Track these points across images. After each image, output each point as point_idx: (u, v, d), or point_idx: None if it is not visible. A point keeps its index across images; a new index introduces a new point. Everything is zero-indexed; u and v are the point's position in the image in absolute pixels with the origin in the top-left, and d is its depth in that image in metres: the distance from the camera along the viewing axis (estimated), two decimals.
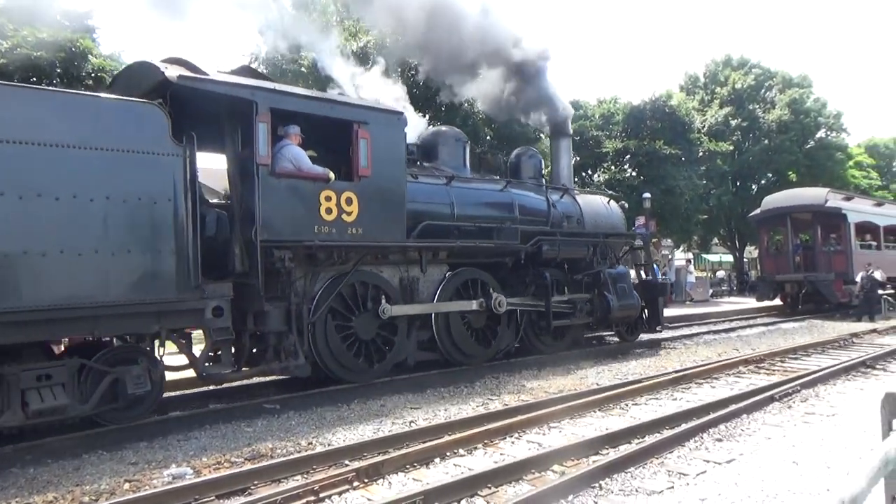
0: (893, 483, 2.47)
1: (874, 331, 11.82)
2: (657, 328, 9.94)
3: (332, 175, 6.51)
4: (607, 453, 4.52)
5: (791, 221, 17.17)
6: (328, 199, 6.47)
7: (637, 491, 3.78)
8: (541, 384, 7.02)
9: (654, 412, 5.69)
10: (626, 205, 10.56)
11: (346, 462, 4.44)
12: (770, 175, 31.99)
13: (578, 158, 21.81)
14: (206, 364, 5.85)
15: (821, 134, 29.89)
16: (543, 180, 9.31)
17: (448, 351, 7.64)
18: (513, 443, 4.93)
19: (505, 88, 9.41)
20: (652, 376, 7.07)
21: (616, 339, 9.93)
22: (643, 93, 33.55)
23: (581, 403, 5.80)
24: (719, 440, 4.86)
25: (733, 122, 28.25)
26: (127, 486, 4.17)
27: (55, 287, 4.78)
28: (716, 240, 31.61)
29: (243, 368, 6.15)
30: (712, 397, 6.17)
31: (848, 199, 17.92)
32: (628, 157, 22.08)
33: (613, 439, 4.76)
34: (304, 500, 3.71)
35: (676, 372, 7.31)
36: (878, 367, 8.01)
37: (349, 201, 6.59)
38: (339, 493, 3.85)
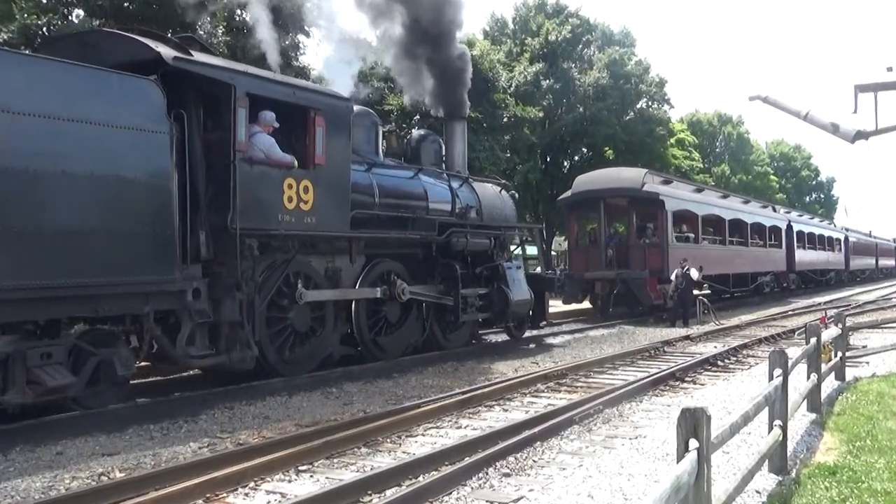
0: None
1: (687, 338, 16.13)
2: (541, 324, 15.63)
3: (296, 163, 10.26)
4: (370, 501, 5.50)
5: (605, 207, 23.06)
6: (290, 187, 10.22)
7: None
8: (291, 413, 8.85)
9: (432, 445, 7.09)
10: (517, 194, 16.16)
11: None
12: (585, 150, 41.92)
13: None
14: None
15: (642, 104, 40.17)
16: (444, 166, 14.17)
17: (366, 344, 11.95)
18: (247, 495, 5.69)
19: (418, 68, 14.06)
20: (432, 399, 9.16)
21: (504, 335, 15.14)
22: None
23: (340, 438, 7.04)
24: (507, 475, 6.12)
25: (545, 83, 35.94)
26: None
27: (65, 265, 7.63)
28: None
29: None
30: (504, 422, 7.96)
31: (666, 182, 25.05)
32: (417, 117, 26.68)
33: (379, 482, 5.72)
34: None
35: (463, 393, 9.44)
36: (687, 379, 10.94)
37: (306, 190, 10.43)
38: None
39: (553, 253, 38.84)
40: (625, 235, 25.31)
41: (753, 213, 30.63)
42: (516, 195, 16.39)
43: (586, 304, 23.40)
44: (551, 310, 17.40)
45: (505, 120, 30.92)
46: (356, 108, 12.55)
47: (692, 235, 25.12)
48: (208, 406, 9.00)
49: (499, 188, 15.50)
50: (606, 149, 39.32)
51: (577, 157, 41.27)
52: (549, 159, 39.25)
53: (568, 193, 23.91)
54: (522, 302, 14.43)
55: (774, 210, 35.39)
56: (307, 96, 10.57)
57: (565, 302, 21.73)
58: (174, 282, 8.77)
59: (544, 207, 38.17)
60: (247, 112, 9.66)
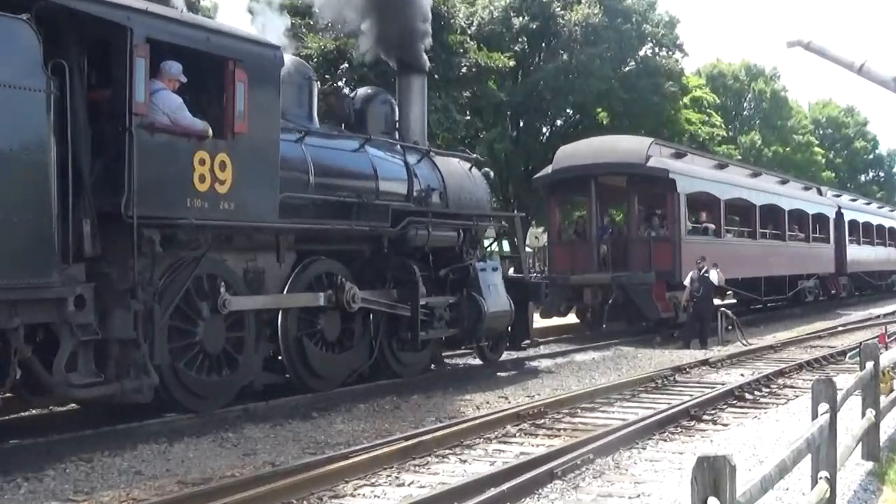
0: None
1: (706, 363, 16.52)
2: (523, 343, 16.29)
3: (210, 131, 10.66)
4: None
5: (597, 189, 23.41)
6: (202, 162, 10.57)
7: None
8: (172, 467, 8.99)
9: None
10: (492, 173, 16.67)
11: None
12: (570, 112, 41.78)
13: None
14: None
15: (646, 51, 40.89)
16: (397, 135, 14.72)
17: (297, 370, 12.39)
18: None
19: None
20: (366, 447, 9.29)
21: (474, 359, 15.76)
22: None
23: (239, 501, 7.14)
24: None
25: (517, 21, 36.27)
26: None
27: None
28: None
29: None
30: (461, 478, 8.07)
31: (679, 155, 25.58)
32: (345, 66, 26.94)
33: None
34: None
35: (407, 438, 9.59)
36: (705, 418, 11.14)
37: (223, 166, 10.82)
38: None
39: (528, 249, 39.02)
40: (623, 226, 26.02)
41: (793, 196, 31.80)
42: (491, 174, 16.99)
43: (571, 318, 23.88)
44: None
45: (463, 70, 31.35)
46: (287, 57, 12.94)
47: (712, 226, 25.72)
48: (58, 458, 9.03)
49: (468, 164, 16.10)
50: (599, 110, 40.09)
51: (559, 122, 42.01)
52: (522, 124, 39.94)
53: (548, 170, 24.28)
54: (500, 314, 15.01)
55: (820, 193, 36.55)
56: (225, 43, 10.93)
57: (543, 315, 22.16)
58: (51, 287, 9.01)
59: (516, 188, 38.86)
60: (147, 63, 9.98)
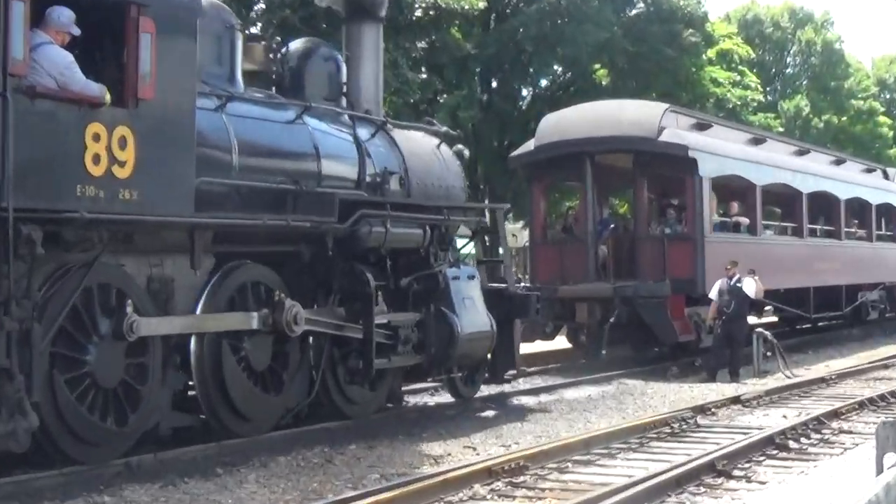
0: None
1: (737, 400, 16.78)
2: (507, 375, 16.54)
3: (108, 96, 10.79)
4: None
5: (595, 171, 23.66)
6: (97, 138, 10.63)
7: None
8: None
9: None
10: (467, 152, 16.93)
11: None
12: (558, 69, 42.03)
13: None
14: None
15: None
16: (344, 102, 14.94)
17: (216, 410, 12.58)
18: None
19: None
20: None
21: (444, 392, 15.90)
22: None
23: None
24: None
25: None
26: None
27: None
28: None
29: None
30: None
31: (702, 126, 25.79)
32: (260, 5, 27.91)
33: None
34: None
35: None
36: (737, 473, 11.17)
37: (123, 143, 10.87)
38: None
39: (505, 251, 39.14)
40: (629, 220, 26.51)
41: (851, 181, 32.23)
42: (465, 152, 17.34)
43: (560, 342, 24.25)
44: None
45: (418, 14, 32.00)
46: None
47: (746, 221, 26.14)
48: None
49: (436, 140, 16.43)
50: (596, 67, 40.56)
51: (544, 82, 42.56)
52: (494, 85, 40.33)
53: (529, 146, 24.67)
54: (477, 337, 15.31)
55: (887, 176, 36.84)
56: None
57: (524, 338, 20.91)
58: None
59: (487, 170, 39.36)
60: (27, 8, 9.96)
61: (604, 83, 40.01)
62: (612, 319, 21.91)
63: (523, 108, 40.74)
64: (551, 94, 40.57)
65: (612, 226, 25.40)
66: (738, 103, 45.37)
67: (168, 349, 12.12)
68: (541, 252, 25.06)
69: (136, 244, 11.90)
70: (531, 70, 40.84)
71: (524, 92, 41.97)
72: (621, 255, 23.91)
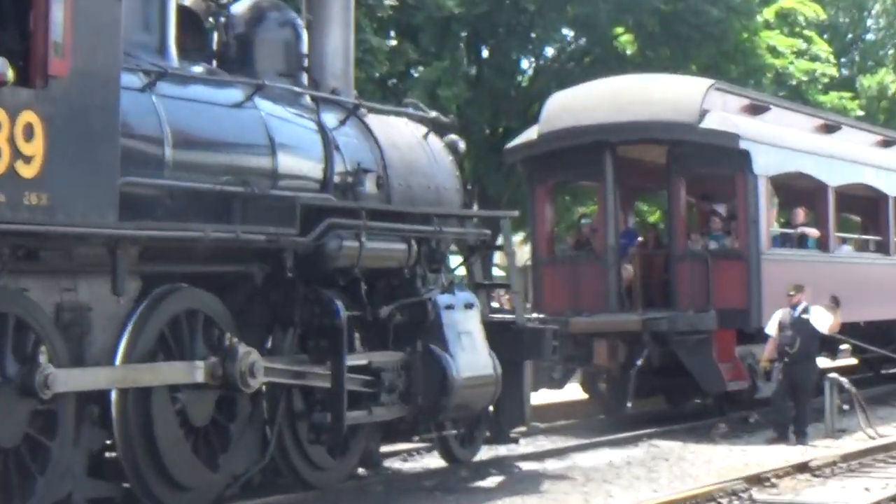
0: None
1: (804, 468, 16.95)
2: (514, 433, 16.78)
3: (10, 72, 10.98)
4: None
5: (616, 167, 24.04)
6: None
7: None
8: None
9: None
10: (462, 144, 17.18)
11: None
12: (568, 35, 42.48)
13: None
14: None
15: None
16: (306, 80, 15.17)
17: (143, 476, 12.67)
18: None
19: None
20: None
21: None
22: None
23: None
24: None
25: None
26: None
27: None
28: None
29: None
30: None
31: (756, 109, 26.13)
32: None
33: None
34: None
35: None
36: None
37: (29, 132, 11.00)
38: None
39: (496, 270, 39.54)
40: (660, 231, 26.93)
41: None
42: (460, 144, 17.64)
43: (572, 391, 24.69)
44: None
45: None
46: None
47: (815, 232, 26.63)
48: None
49: (423, 128, 16.79)
50: (619, 31, 40.83)
51: (550, 51, 42.68)
52: (486, 55, 40.57)
53: (531, 134, 25.09)
54: (478, 382, 15.58)
55: None
56: None
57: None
58: None
59: (476, 165, 39.40)
60: None
61: (629, 52, 40.34)
62: (639, 362, 22.12)
63: (523, 84, 40.97)
64: (560, 67, 40.77)
65: (639, 239, 25.77)
66: (804, 79, 45.28)
67: (82, 402, 12.23)
68: (547, 273, 25.32)
69: (45, 262, 11.98)
70: (533, 35, 40.60)
71: (524, 64, 42.18)
72: (652, 276, 24.30)
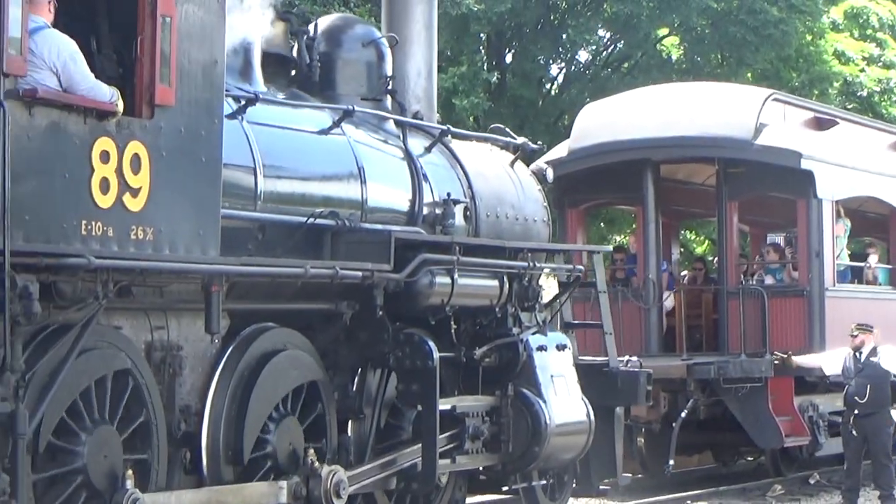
0: None
1: None
2: (602, 485, 17.37)
3: (120, 103, 11.67)
4: None
5: (657, 189, 24.90)
6: (105, 157, 11.60)
7: None
8: None
9: None
10: (551, 172, 18.19)
11: None
12: (604, 37, 43.77)
13: None
14: None
15: None
16: (389, 103, 15.99)
17: None
18: None
19: None
20: None
21: None
22: None
23: None
24: None
25: None
26: None
27: None
28: None
29: None
30: None
31: (821, 124, 26.85)
32: None
33: None
34: None
35: None
36: None
37: (136, 164, 11.91)
38: None
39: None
40: (710, 263, 27.98)
41: None
42: (549, 172, 18.68)
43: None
44: None
45: None
46: None
47: (891, 267, 27.81)
48: None
49: (508, 155, 17.66)
50: (662, 33, 41.74)
51: (584, 56, 43.66)
52: (510, 59, 41.72)
53: (561, 151, 25.97)
54: (571, 430, 16.57)
55: None
56: None
57: None
58: None
59: None
60: None
61: (674, 57, 41.23)
62: (684, 414, 22.67)
63: (552, 93, 41.87)
64: (594, 74, 41.55)
65: (684, 274, 26.80)
66: (877, 89, 45.73)
67: None
68: (577, 311, 24.50)
69: (139, 299, 12.61)
70: (564, 36, 41.56)
71: (553, 70, 43.03)
72: (698, 315, 25.00)
